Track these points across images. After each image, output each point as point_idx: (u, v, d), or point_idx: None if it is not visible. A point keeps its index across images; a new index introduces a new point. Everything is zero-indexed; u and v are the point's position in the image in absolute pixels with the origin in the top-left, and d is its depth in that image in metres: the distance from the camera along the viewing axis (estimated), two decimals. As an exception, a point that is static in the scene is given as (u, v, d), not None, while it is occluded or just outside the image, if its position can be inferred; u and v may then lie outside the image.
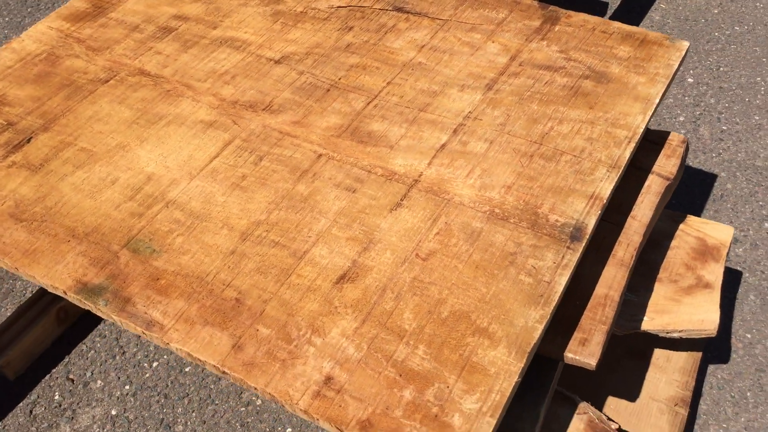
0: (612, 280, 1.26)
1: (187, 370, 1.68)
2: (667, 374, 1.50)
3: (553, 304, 1.08)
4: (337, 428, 0.97)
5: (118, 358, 1.71)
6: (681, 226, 1.56)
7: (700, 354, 1.53)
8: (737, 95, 2.34)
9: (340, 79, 1.44)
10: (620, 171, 1.25)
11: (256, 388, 1.02)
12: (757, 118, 2.26)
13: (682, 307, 1.42)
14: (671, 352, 1.54)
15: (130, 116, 1.39)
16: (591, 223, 1.18)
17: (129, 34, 1.56)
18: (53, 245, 1.18)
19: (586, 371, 1.49)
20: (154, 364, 1.70)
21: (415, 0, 1.61)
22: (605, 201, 1.21)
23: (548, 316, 1.07)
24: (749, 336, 1.71)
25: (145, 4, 1.63)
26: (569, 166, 1.26)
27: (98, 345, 1.74)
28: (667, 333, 1.40)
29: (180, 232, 1.20)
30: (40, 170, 1.30)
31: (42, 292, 1.73)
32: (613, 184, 1.23)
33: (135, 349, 1.73)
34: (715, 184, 2.06)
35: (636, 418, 1.44)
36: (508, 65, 1.45)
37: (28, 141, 1.35)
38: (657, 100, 1.37)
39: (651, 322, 1.40)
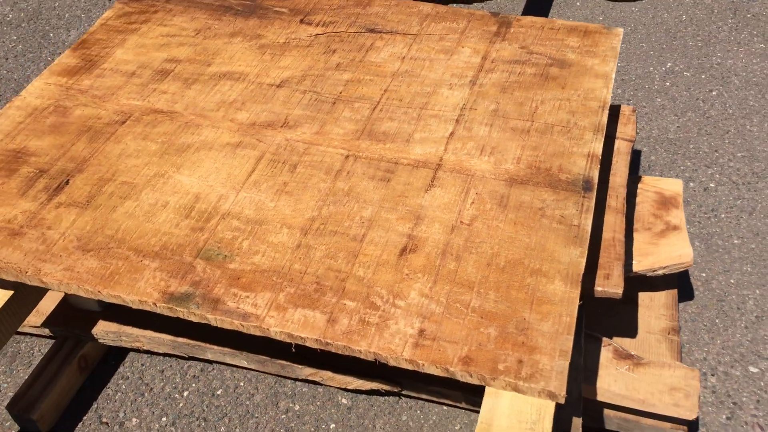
0: (614, 224, 1.47)
1: (218, 393, 1.75)
2: (654, 311, 1.73)
3: (587, 241, 1.27)
4: (444, 368, 1.11)
5: (146, 395, 1.76)
6: (639, 185, 1.81)
7: (675, 290, 1.77)
8: (638, 84, 2.68)
9: (341, 93, 1.60)
10: (603, 132, 1.48)
11: (360, 351, 1.14)
12: (659, 100, 2.60)
13: (660, 248, 1.66)
14: (653, 293, 1.77)
15: (158, 149, 1.48)
16: (595, 175, 1.39)
17: (128, 80, 1.65)
18: (128, 266, 1.26)
19: (591, 318, 1.69)
20: (185, 393, 1.75)
21: (384, 21, 1.81)
22: (600, 156, 1.43)
23: (586, 251, 1.26)
24: (704, 275, 1.98)
25: (134, 53, 1.73)
26: (562, 135, 1.47)
27: (123, 387, 1.78)
28: (654, 271, 1.63)
29: (244, 237, 1.31)
30: (89, 206, 1.37)
31: (59, 346, 1.75)
32: (602, 143, 1.46)
33: (162, 384, 1.78)
34: (641, 158, 2.36)
35: (640, 350, 1.65)
36: (483, 64, 1.66)
37: (66, 183, 1.41)
38: (613, 75, 1.62)
39: (639, 264, 1.62)
